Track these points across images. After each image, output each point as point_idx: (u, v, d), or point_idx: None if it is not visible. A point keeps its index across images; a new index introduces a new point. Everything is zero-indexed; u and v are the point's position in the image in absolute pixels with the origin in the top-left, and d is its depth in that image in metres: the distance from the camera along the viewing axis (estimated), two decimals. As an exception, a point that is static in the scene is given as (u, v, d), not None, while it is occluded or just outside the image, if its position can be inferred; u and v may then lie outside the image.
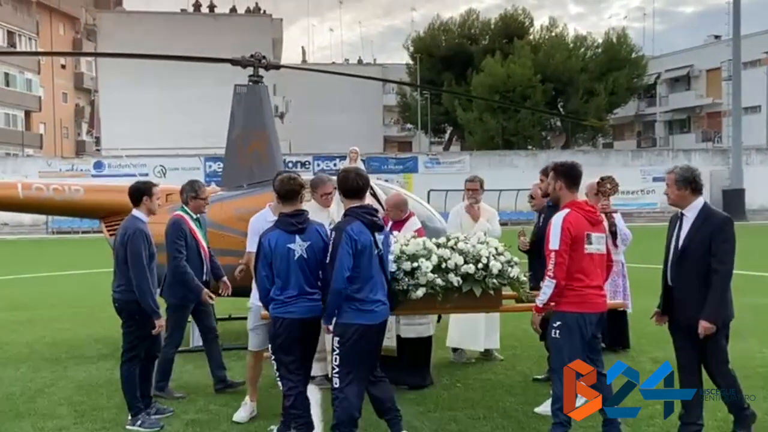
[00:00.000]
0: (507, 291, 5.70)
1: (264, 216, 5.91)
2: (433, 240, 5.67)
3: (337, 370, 4.79)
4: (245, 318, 6.42)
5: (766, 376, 6.93)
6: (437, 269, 5.34)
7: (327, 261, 4.77)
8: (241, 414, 5.84)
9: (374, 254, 4.80)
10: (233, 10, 57.36)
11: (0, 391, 6.87)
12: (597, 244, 4.97)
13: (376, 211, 5.01)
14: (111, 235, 7.78)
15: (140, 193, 5.83)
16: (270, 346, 5.24)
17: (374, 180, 9.44)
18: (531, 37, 53.71)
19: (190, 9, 56.99)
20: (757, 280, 13.96)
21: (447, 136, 60.44)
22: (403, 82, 54.84)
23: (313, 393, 6.00)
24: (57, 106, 65.53)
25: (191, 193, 6.66)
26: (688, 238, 4.94)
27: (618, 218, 7.56)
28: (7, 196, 8.54)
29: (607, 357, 7.10)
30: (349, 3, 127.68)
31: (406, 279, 5.28)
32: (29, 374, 7.50)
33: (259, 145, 8.99)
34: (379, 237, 4.87)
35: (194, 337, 7.85)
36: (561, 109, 50.08)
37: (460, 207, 7.98)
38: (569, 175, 5.08)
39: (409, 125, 62.14)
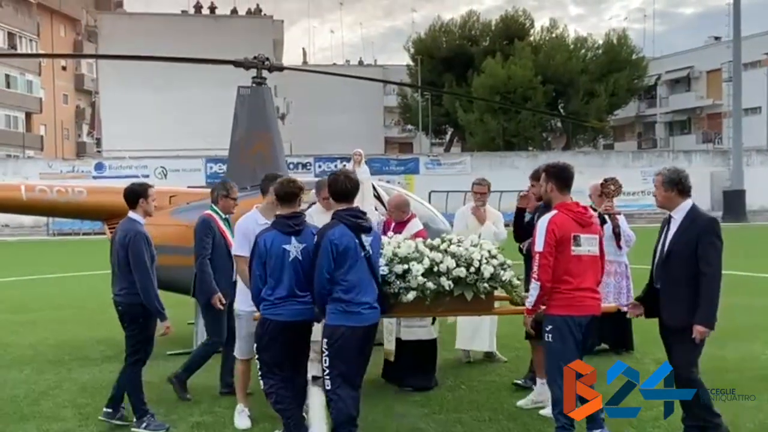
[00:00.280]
0: (501, 293, 5.69)
1: (253, 218, 5.76)
2: (427, 242, 5.63)
3: (327, 372, 4.81)
4: None
5: None
6: (429, 272, 5.30)
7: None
8: (244, 421, 5.79)
9: (360, 256, 4.81)
10: (234, 11, 57.53)
11: (4, 393, 6.86)
12: (587, 246, 4.88)
13: (364, 213, 5.03)
14: (115, 237, 7.77)
15: (136, 195, 5.76)
16: (255, 345, 5.21)
17: (375, 181, 9.47)
18: (531, 38, 53.84)
19: (191, 10, 57.16)
20: (758, 282, 13.94)
21: (448, 137, 60.49)
22: (404, 84, 54.92)
23: (316, 394, 5.97)
24: (58, 108, 65.54)
25: (222, 191, 6.57)
26: (674, 240, 4.90)
27: (622, 220, 7.58)
28: (10, 198, 8.56)
29: (610, 358, 7.15)
30: (350, 4, 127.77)
31: (398, 282, 5.25)
32: (33, 376, 7.50)
33: (263, 146, 9.00)
34: (366, 239, 4.88)
35: (197, 338, 7.85)
36: (561, 111, 50.11)
37: (465, 209, 7.93)
38: (560, 176, 5.03)
39: (409, 126, 62.16)
